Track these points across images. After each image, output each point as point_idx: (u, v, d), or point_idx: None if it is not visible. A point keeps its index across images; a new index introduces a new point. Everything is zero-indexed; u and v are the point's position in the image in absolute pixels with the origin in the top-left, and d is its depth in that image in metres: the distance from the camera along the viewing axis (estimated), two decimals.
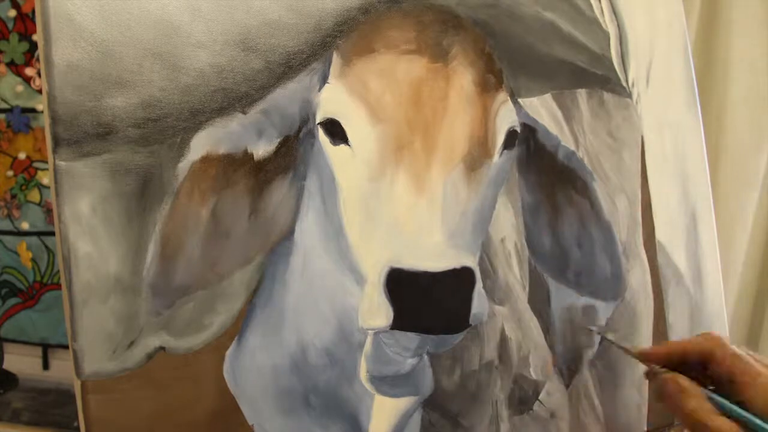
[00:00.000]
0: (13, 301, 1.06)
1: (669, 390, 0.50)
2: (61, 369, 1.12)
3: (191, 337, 0.47)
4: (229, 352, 0.49)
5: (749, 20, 1.05)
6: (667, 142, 0.74)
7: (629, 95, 0.70)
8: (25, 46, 0.86)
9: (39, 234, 0.97)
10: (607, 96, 0.68)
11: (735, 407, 0.48)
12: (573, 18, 0.66)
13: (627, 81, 0.70)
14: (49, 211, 0.93)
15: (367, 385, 0.54)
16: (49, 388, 1.10)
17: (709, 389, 0.49)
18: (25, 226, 0.95)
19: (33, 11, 0.85)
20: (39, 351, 1.11)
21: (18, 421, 0.97)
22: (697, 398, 0.48)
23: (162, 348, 0.46)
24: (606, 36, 0.69)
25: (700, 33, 1.07)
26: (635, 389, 0.69)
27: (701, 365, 0.50)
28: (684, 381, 0.49)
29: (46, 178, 0.93)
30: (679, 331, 0.72)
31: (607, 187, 0.67)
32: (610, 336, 0.54)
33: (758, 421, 0.46)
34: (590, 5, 0.68)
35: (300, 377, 0.52)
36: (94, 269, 0.44)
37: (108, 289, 0.44)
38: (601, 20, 0.68)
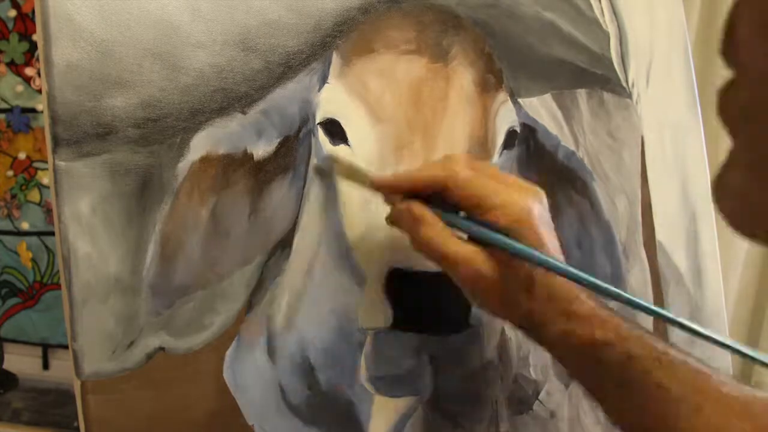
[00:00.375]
0: (13, 301, 1.06)
1: (404, 220, 0.46)
2: (61, 369, 1.12)
3: (191, 337, 0.47)
4: (229, 353, 0.49)
5: None
6: (667, 143, 0.74)
7: (629, 95, 0.70)
8: (25, 46, 0.86)
9: (39, 234, 0.97)
10: (607, 96, 0.68)
11: (472, 225, 0.44)
12: (573, 18, 0.66)
13: (627, 81, 0.70)
14: (49, 211, 0.93)
15: (367, 386, 0.54)
16: (49, 388, 1.10)
17: (456, 214, 0.46)
18: (25, 226, 0.95)
19: (33, 11, 0.85)
20: (39, 351, 1.11)
21: (18, 421, 0.97)
22: (433, 225, 0.45)
23: (162, 348, 0.46)
24: (606, 36, 0.69)
25: (700, 33, 1.07)
26: None
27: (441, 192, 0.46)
28: (419, 208, 0.45)
29: (46, 178, 0.93)
30: (679, 331, 0.72)
31: (607, 187, 0.67)
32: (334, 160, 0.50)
33: (498, 237, 0.43)
34: (590, 5, 0.67)
35: (300, 377, 0.52)
36: (94, 269, 0.44)
37: (108, 289, 0.44)
38: (601, 20, 0.68)
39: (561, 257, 0.46)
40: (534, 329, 0.45)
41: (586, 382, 0.46)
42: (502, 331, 0.60)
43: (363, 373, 0.53)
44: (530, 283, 0.44)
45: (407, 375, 0.55)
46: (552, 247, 0.45)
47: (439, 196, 0.46)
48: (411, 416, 0.56)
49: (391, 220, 0.49)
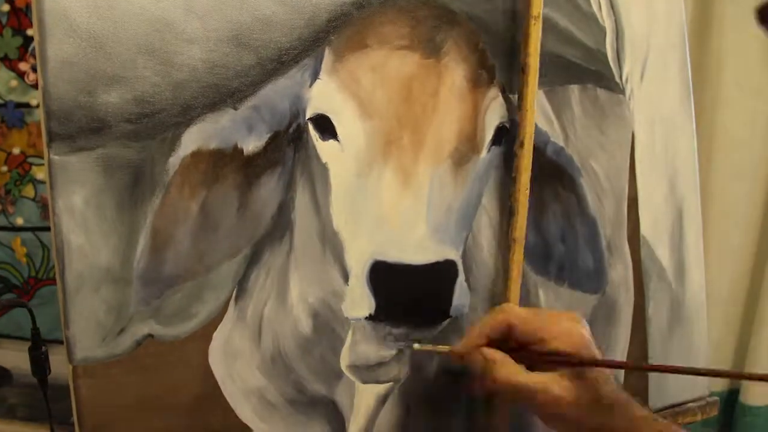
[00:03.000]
0: (7, 296, 1.08)
1: (479, 364, 0.52)
2: (57, 364, 1.13)
3: (179, 326, 0.49)
4: (217, 343, 0.51)
5: (742, 13, 1.04)
6: (658, 138, 0.74)
7: (622, 91, 0.71)
8: (18, 40, 0.86)
9: (34, 229, 0.98)
10: (600, 92, 0.69)
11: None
12: (570, 13, 0.66)
13: (621, 77, 0.71)
14: (43, 207, 0.94)
15: (347, 373, 0.56)
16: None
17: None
18: (19, 221, 0.95)
19: (27, 6, 0.85)
20: None
21: (13, 417, 1.00)
22: (506, 364, 0.51)
23: (150, 335, 0.48)
24: (602, 31, 0.69)
25: (693, 26, 1.06)
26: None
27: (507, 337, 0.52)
28: (490, 352, 0.52)
29: (40, 174, 0.94)
30: (658, 324, 0.74)
31: (594, 184, 0.68)
32: (416, 346, 0.56)
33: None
34: (588, 0, 0.68)
35: (282, 365, 0.54)
36: (86, 260, 0.46)
37: (99, 280, 0.46)
38: (598, 15, 0.69)
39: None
40: None
41: None
42: None
43: (344, 362, 0.56)
44: (599, 396, 0.50)
45: (387, 363, 0.57)
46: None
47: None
48: (388, 398, 0.58)
49: (466, 360, 0.54)
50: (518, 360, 0.51)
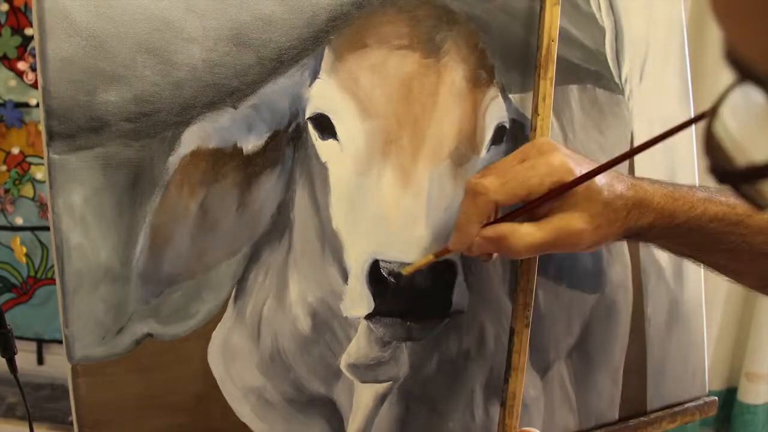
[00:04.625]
0: (7, 296, 1.08)
1: (488, 247, 0.52)
2: (56, 364, 1.13)
3: (178, 325, 0.49)
4: (216, 342, 0.51)
5: None
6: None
7: (621, 91, 0.71)
8: (17, 40, 0.86)
9: (33, 229, 0.98)
10: (599, 92, 0.69)
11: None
12: (569, 13, 0.66)
13: (620, 77, 0.71)
14: (42, 206, 0.94)
15: (346, 372, 0.56)
16: (44, 383, 1.12)
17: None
18: (18, 221, 0.96)
19: (25, 5, 0.85)
20: (33, 346, 1.13)
21: (13, 416, 1.00)
22: (513, 232, 0.51)
23: (150, 334, 0.48)
24: (601, 31, 0.69)
25: (693, 26, 1.06)
26: (609, 379, 0.71)
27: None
28: (489, 230, 0.51)
29: (39, 173, 0.94)
30: (656, 324, 0.74)
31: None
32: (406, 270, 0.55)
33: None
34: (588, 0, 0.68)
35: (281, 365, 0.54)
36: (86, 259, 0.46)
37: (98, 278, 0.46)
38: (597, 15, 0.69)
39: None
40: (628, 234, 0.54)
41: (676, 249, 0.57)
42: (481, 322, 0.62)
43: (343, 362, 0.56)
44: (609, 205, 0.51)
45: (386, 362, 0.57)
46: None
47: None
48: (387, 397, 0.58)
49: (478, 251, 0.53)
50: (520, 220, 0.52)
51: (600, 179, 0.51)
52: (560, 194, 0.50)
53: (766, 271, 0.56)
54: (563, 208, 0.51)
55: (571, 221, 0.51)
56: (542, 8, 0.60)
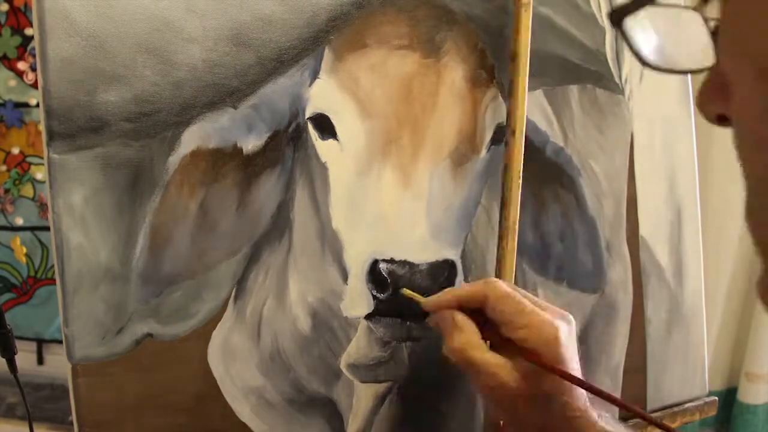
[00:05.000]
0: (7, 296, 1.08)
1: (445, 324, 0.51)
2: (56, 364, 1.13)
3: (178, 325, 0.49)
4: (216, 342, 0.51)
5: None
6: (657, 138, 0.74)
7: (621, 91, 0.71)
8: (17, 40, 0.86)
9: (33, 229, 0.98)
10: (599, 92, 0.69)
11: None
12: (569, 13, 0.66)
13: (620, 77, 0.71)
14: (42, 206, 0.94)
15: (346, 372, 0.56)
16: (44, 383, 1.12)
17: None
18: (18, 221, 0.96)
19: (25, 5, 0.85)
20: (33, 346, 1.13)
21: (13, 416, 1.00)
22: (468, 334, 0.49)
23: (150, 334, 0.48)
24: (602, 31, 0.69)
25: None
26: (609, 379, 0.71)
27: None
28: (461, 318, 0.50)
29: (39, 173, 0.94)
30: (657, 324, 0.74)
31: (593, 184, 0.69)
32: (405, 291, 0.54)
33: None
34: (587, 0, 0.68)
35: (281, 365, 0.54)
36: (85, 259, 0.46)
37: (98, 278, 0.46)
38: (597, 15, 0.69)
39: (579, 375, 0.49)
40: None
41: None
42: None
43: (343, 362, 0.56)
44: (547, 399, 0.48)
45: (386, 362, 0.57)
46: (572, 367, 0.49)
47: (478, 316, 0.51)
48: (387, 397, 0.58)
49: (434, 322, 0.53)
50: (485, 337, 0.50)
51: (576, 390, 0.48)
52: (529, 360, 0.48)
53: None
54: (517, 361, 0.48)
55: (510, 371, 0.48)
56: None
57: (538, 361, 0.47)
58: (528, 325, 0.48)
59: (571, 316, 0.51)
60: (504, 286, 0.51)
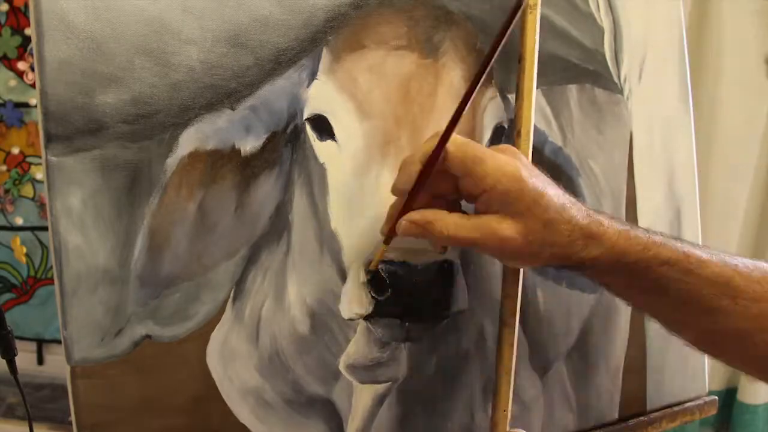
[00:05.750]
0: (7, 296, 1.08)
1: (415, 231, 0.50)
2: (56, 364, 1.13)
3: (176, 326, 0.49)
4: (214, 343, 0.51)
5: (741, 13, 1.04)
6: (656, 138, 0.74)
7: (620, 91, 0.71)
8: (17, 40, 0.86)
9: (33, 229, 0.98)
10: (598, 92, 0.69)
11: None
12: (568, 12, 0.66)
13: (619, 77, 0.71)
14: (42, 206, 0.94)
15: (345, 373, 0.56)
16: (44, 383, 1.13)
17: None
18: (18, 221, 0.96)
19: (25, 5, 0.85)
20: (33, 346, 1.13)
21: (13, 417, 1.00)
22: (441, 219, 0.49)
23: (148, 336, 0.48)
24: (600, 31, 0.69)
25: (692, 25, 1.06)
26: (609, 379, 0.71)
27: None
28: (419, 214, 0.50)
29: (39, 173, 0.94)
30: (657, 325, 0.74)
31: (592, 184, 0.69)
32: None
33: None
34: (586, 0, 0.68)
35: (280, 366, 0.54)
36: (84, 261, 0.46)
37: (97, 280, 0.46)
38: (596, 15, 0.69)
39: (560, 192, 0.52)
40: (568, 263, 0.52)
41: (620, 290, 0.55)
42: (480, 323, 0.62)
43: (342, 363, 0.56)
44: (551, 226, 0.49)
45: (385, 362, 0.57)
46: (550, 191, 0.50)
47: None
48: (386, 398, 0.58)
49: (403, 234, 0.52)
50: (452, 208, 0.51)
51: (554, 199, 0.50)
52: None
53: (707, 327, 0.53)
54: (501, 211, 0.49)
55: (501, 225, 0.49)
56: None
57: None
58: (491, 170, 0.49)
59: (513, 148, 0.53)
60: (460, 137, 0.51)
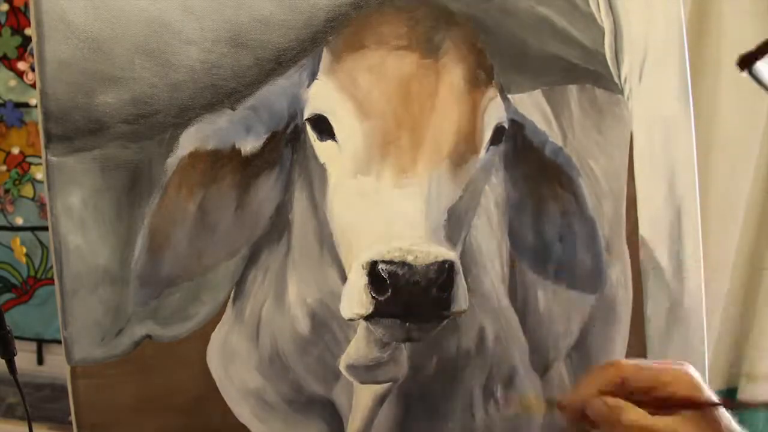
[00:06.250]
0: (7, 296, 1.08)
1: (604, 413, 0.52)
2: (56, 364, 1.13)
3: (177, 326, 0.49)
4: (215, 344, 0.51)
5: (741, 13, 1.04)
6: (657, 138, 0.74)
7: (621, 91, 0.71)
8: (17, 40, 0.86)
9: (33, 229, 0.98)
10: (598, 92, 0.69)
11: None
12: (568, 13, 0.66)
13: (619, 77, 0.71)
14: (42, 206, 0.94)
15: (345, 373, 0.56)
16: (44, 383, 1.13)
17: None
18: (18, 221, 0.96)
19: (25, 5, 0.85)
20: (33, 346, 1.14)
21: (13, 417, 1.00)
22: (633, 409, 0.51)
23: (148, 336, 0.49)
24: (600, 31, 0.69)
25: (692, 26, 1.06)
26: None
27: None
28: (613, 399, 0.52)
29: (39, 173, 0.94)
30: (656, 324, 0.74)
31: (592, 183, 0.68)
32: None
33: None
34: (586, 0, 0.68)
35: (280, 366, 0.54)
36: (84, 261, 0.46)
37: (97, 280, 0.46)
38: (596, 15, 0.69)
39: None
40: None
41: None
42: (480, 323, 0.62)
43: (342, 363, 0.56)
44: None
45: (385, 363, 0.57)
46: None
47: None
48: (386, 398, 0.58)
49: (594, 414, 0.53)
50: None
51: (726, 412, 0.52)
52: (686, 407, 0.51)
53: None
54: (680, 419, 0.51)
55: (684, 427, 0.50)
56: None
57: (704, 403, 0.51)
58: (671, 381, 0.52)
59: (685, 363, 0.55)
60: (628, 360, 0.55)
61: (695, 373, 0.53)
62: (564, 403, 0.55)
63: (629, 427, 0.51)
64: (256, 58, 0.51)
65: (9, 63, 0.88)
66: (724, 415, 0.52)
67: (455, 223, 0.60)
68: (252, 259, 0.52)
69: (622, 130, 0.71)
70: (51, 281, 1.04)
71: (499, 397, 0.63)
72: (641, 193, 0.73)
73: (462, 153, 0.60)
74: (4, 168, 0.95)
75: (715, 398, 0.52)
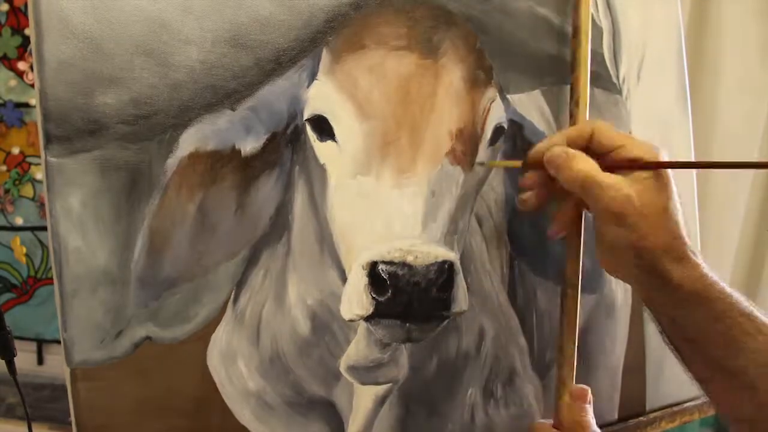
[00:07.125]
0: (7, 296, 1.08)
1: (559, 159, 0.53)
2: (56, 364, 1.13)
3: (177, 328, 0.49)
4: (215, 345, 0.51)
5: (739, 13, 1.04)
6: (655, 137, 0.74)
7: (619, 91, 0.71)
8: (17, 40, 0.86)
9: (33, 229, 0.98)
10: (597, 92, 0.69)
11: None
12: (567, 13, 0.66)
13: (618, 77, 0.71)
14: (42, 206, 0.94)
15: (346, 374, 0.56)
16: (44, 383, 1.12)
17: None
18: (18, 221, 0.96)
19: (26, 5, 0.85)
20: (33, 346, 1.13)
21: (13, 417, 0.99)
22: (585, 160, 0.52)
23: (149, 338, 0.48)
24: (599, 31, 0.69)
25: (690, 26, 1.06)
26: (608, 379, 0.71)
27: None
28: (572, 150, 0.53)
29: (39, 173, 0.94)
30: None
31: None
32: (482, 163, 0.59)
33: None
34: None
35: (281, 367, 0.54)
36: (84, 262, 0.46)
37: (96, 282, 0.46)
38: (595, 16, 0.69)
39: None
40: (653, 272, 0.51)
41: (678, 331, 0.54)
42: (480, 324, 0.62)
43: (343, 364, 0.56)
44: (666, 214, 0.51)
45: (386, 363, 0.57)
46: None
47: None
48: (387, 398, 0.58)
49: (547, 162, 0.54)
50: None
51: (677, 202, 0.52)
52: (639, 167, 0.51)
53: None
54: (630, 179, 0.51)
55: (631, 184, 0.51)
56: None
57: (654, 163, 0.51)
58: (638, 145, 0.52)
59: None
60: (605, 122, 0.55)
61: (663, 152, 0.53)
62: (532, 154, 0.56)
63: (575, 175, 0.52)
64: (256, 59, 0.51)
65: (9, 63, 0.88)
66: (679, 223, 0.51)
67: (455, 224, 0.60)
68: (252, 260, 0.52)
69: (621, 129, 0.71)
70: (51, 281, 1.03)
71: (499, 397, 0.63)
72: None
73: (461, 153, 0.60)
74: (4, 168, 0.95)
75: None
